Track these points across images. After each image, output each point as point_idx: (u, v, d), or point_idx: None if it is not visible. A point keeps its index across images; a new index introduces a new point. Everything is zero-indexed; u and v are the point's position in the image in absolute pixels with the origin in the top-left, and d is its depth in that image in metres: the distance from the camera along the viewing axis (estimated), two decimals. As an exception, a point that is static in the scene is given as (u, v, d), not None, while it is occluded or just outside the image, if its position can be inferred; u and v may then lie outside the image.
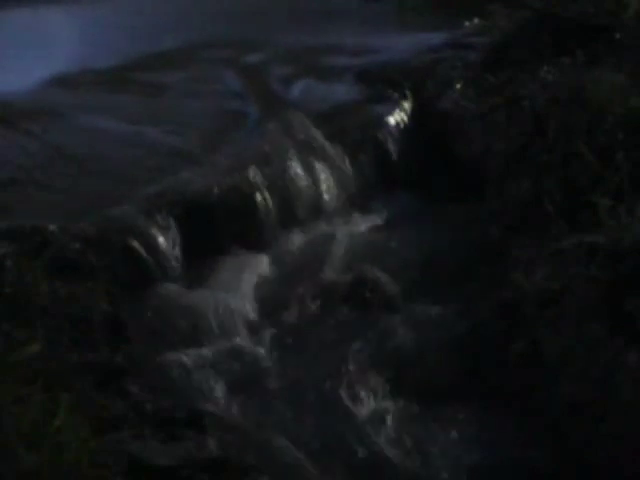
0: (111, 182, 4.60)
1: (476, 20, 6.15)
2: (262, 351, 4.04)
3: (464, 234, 4.62)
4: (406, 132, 5.33)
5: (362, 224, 4.92)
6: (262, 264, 4.56)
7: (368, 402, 3.75)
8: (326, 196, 4.99)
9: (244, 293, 4.35)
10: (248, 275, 4.46)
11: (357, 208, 5.04)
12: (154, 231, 4.38)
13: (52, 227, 4.13)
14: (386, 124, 5.31)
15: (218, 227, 4.58)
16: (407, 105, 5.42)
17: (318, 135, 5.11)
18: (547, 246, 3.84)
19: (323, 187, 4.99)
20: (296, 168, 4.93)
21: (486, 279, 4.18)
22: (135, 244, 4.31)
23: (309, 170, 4.98)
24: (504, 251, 4.18)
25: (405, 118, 5.37)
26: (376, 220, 4.95)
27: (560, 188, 4.10)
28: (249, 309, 4.27)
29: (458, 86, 5.38)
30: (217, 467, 3.11)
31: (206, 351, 3.99)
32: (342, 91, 5.64)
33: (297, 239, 4.78)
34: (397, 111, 5.38)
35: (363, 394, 3.78)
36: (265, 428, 3.60)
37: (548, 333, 3.62)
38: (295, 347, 4.08)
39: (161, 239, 4.39)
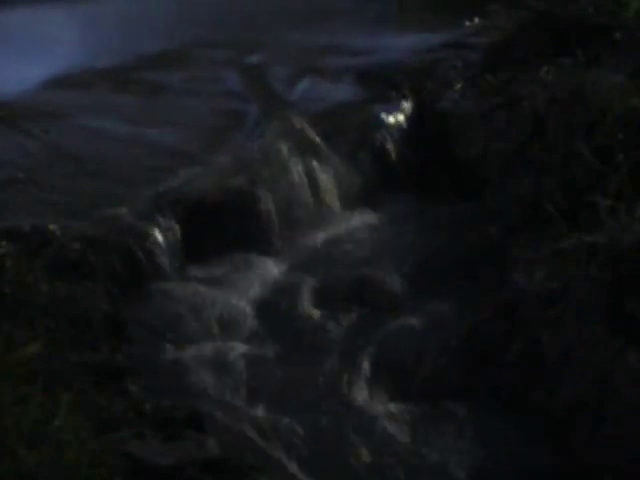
0: (111, 182, 4.60)
1: (476, 20, 6.15)
2: (263, 351, 4.03)
3: (464, 234, 4.61)
4: (406, 132, 5.33)
5: (362, 224, 4.91)
6: (262, 264, 4.55)
7: (368, 402, 3.74)
8: (326, 196, 4.99)
9: (244, 293, 4.35)
10: (248, 275, 4.45)
11: (357, 208, 5.03)
12: (154, 231, 4.38)
13: (52, 227, 4.13)
14: (386, 124, 5.30)
15: (218, 227, 4.57)
16: (407, 105, 5.42)
17: (318, 135, 5.11)
18: (547, 246, 3.84)
19: (323, 187, 4.99)
20: (296, 168, 4.93)
21: (486, 279, 4.18)
22: (135, 244, 4.30)
23: (309, 170, 4.97)
24: (504, 251, 4.19)
25: (405, 118, 5.36)
26: (376, 220, 4.95)
27: (560, 188, 4.10)
28: (249, 309, 4.27)
29: (458, 86, 5.38)
30: (217, 467, 3.11)
31: (206, 351, 3.99)
32: (342, 91, 5.64)
33: (297, 239, 4.77)
34: (397, 111, 5.37)
35: (363, 394, 3.78)
36: (265, 428, 3.60)
37: (548, 333, 3.62)
38: (295, 347, 4.08)
39: (161, 239, 4.39)
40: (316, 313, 4.26)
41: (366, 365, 3.91)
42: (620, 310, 3.41)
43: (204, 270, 4.45)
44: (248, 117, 5.34)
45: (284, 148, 4.99)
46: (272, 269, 4.55)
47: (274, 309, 4.29)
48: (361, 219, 4.96)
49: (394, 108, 5.39)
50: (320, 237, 4.80)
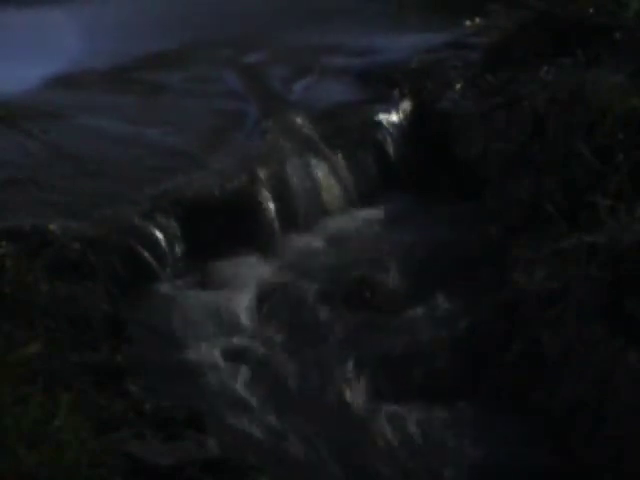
0: (111, 182, 4.60)
1: (476, 20, 6.15)
2: (262, 351, 4.03)
3: (464, 234, 4.62)
4: (406, 132, 5.33)
5: (362, 224, 4.91)
6: (262, 264, 4.56)
7: (368, 402, 3.74)
8: (326, 196, 4.99)
9: (244, 293, 4.35)
10: (248, 275, 4.46)
11: (357, 208, 5.03)
12: (154, 231, 4.39)
13: (52, 227, 4.14)
14: (386, 124, 5.30)
15: (218, 227, 4.58)
16: (407, 105, 5.42)
17: (318, 135, 5.11)
18: (547, 246, 3.84)
19: (323, 187, 4.99)
20: (296, 168, 4.93)
21: (486, 279, 4.18)
22: (135, 244, 4.31)
23: (309, 170, 4.97)
24: (504, 251, 4.19)
25: (405, 118, 5.37)
26: (376, 220, 4.95)
27: (560, 188, 4.11)
28: (249, 309, 4.27)
29: (458, 86, 5.38)
30: (217, 467, 3.11)
31: (206, 351, 3.99)
32: (342, 91, 5.64)
33: (297, 239, 4.78)
34: (397, 111, 5.37)
35: (363, 393, 3.78)
36: (265, 428, 3.60)
37: (548, 333, 3.62)
38: (296, 347, 4.08)
39: (161, 239, 4.39)
40: (316, 313, 4.26)
41: (366, 365, 3.91)
42: (620, 310, 3.41)
43: (204, 270, 4.45)
44: (248, 117, 5.34)
45: (284, 148, 4.99)
46: (272, 269, 4.55)
47: (274, 309, 4.29)
48: (361, 219, 4.96)
49: (394, 108, 5.39)
50: (320, 237, 4.80)
